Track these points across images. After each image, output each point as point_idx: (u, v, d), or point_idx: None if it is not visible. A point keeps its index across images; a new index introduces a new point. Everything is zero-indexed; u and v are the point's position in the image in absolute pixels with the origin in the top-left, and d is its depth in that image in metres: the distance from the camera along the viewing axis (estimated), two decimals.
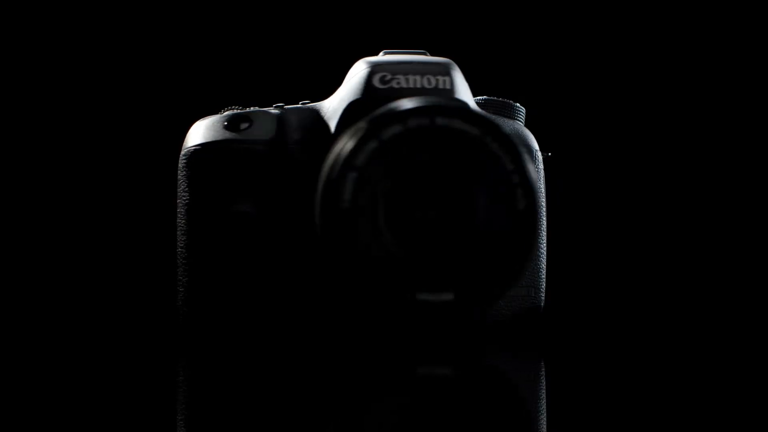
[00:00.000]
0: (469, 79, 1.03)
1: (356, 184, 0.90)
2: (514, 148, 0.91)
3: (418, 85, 0.96)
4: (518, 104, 1.03)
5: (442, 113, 0.91)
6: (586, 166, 1.31)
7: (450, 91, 0.96)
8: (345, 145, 0.90)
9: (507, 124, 1.01)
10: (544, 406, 0.75)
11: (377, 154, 0.90)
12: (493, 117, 0.93)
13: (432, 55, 1.00)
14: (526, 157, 0.91)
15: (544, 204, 1.01)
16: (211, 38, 1.30)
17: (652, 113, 1.33)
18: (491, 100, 1.03)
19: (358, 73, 0.97)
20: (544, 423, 0.71)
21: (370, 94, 0.95)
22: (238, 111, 0.98)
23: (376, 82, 0.96)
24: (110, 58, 1.29)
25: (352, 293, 0.90)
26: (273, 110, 0.98)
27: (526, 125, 1.04)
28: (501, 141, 0.91)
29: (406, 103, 0.92)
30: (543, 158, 1.03)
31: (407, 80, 0.96)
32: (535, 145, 1.03)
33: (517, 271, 0.91)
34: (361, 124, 0.91)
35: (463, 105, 0.93)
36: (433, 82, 0.96)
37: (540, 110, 1.09)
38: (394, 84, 0.96)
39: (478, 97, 1.02)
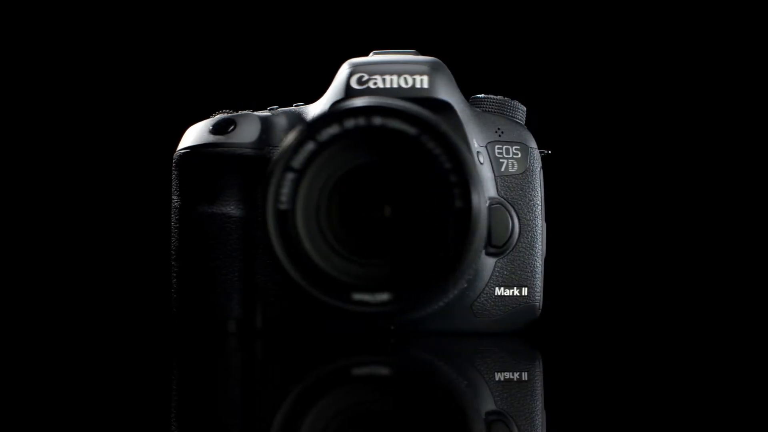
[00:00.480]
0: (469, 77, 1.02)
1: (294, 185, 0.90)
2: (452, 146, 0.90)
3: (395, 85, 0.97)
4: (517, 102, 1.02)
5: (379, 113, 0.90)
6: (586, 164, 1.29)
7: (427, 90, 0.96)
8: (286, 146, 0.91)
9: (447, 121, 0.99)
10: (541, 406, 0.75)
11: (315, 155, 0.91)
12: (432, 116, 0.92)
13: (425, 54, 1.00)
14: (466, 155, 0.90)
15: (528, 203, 1.01)
16: (221, 40, 1.32)
17: (653, 111, 1.29)
18: (491, 98, 1.02)
19: (340, 74, 0.97)
20: (542, 422, 0.71)
21: (348, 95, 0.96)
22: (226, 114, 0.99)
23: (353, 83, 0.96)
24: (124, 67, 1.31)
25: (295, 293, 0.90)
26: (259, 113, 0.99)
27: (526, 123, 1.03)
28: (438, 140, 0.90)
29: (350, 104, 0.92)
30: (541, 156, 1.02)
31: (384, 80, 0.97)
32: (533, 143, 1.01)
33: (455, 270, 0.90)
34: (301, 125, 0.91)
35: (401, 104, 0.92)
36: (410, 81, 0.96)
37: (540, 108, 1.08)
38: (370, 84, 0.97)
39: (479, 95, 1.02)
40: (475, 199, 0.90)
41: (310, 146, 0.91)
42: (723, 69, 1.28)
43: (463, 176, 0.90)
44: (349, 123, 0.91)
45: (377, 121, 0.91)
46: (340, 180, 0.93)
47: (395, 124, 0.91)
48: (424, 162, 0.91)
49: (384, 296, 0.90)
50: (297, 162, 0.91)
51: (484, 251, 0.98)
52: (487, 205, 0.98)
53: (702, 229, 1.28)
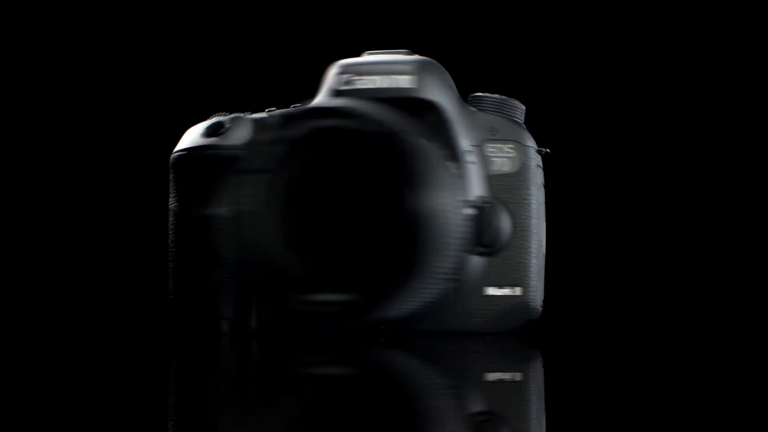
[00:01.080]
0: (467, 76, 1.02)
1: (254, 186, 0.91)
2: (408, 148, 0.89)
3: (380, 85, 0.97)
4: (516, 101, 1.02)
5: (336, 115, 0.90)
6: (584, 163, 1.28)
7: (413, 90, 0.97)
8: (246, 148, 0.92)
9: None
10: (535, 403, 0.75)
11: (274, 156, 0.91)
12: (392, 118, 0.92)
13: (421, 54, 1.00)
14: (423, 157, 0.89)
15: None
16: (227, 43, 1.32)
17: (651, 110, 1.26)
18: (489, 96, 1.02)
19: (330, 75, 0.98)
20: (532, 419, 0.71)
21: (336, 96, 0.97)
22: (220, 117, 1.00)
23: (341, 84, 0.97)
24: (123, 71, 1.32)
25: (259, 294, 0.91)
26: (252, 116, 1.00)
27: (526, 122, 1.02)
28: (394, 142, 0.90)
29: (309, 106, 0.93)
30: (540, 155, 1.02)
31: (370, 81, 0.97)
32: (530, 142, 1.01)
33: (415, 271, 0.90)
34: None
35: (359, 107, 0.92)
36: (395, 81, 0.96)
37: (540, 108, 1.07)
38: (357, 85, 0.97)
39: (477, 94, 1.02)
40: (428, 200, 0.90)
41: (269, 148, 0.92)
42: (721, 68, 1.27)
43: (416, 177, 0.89)
44: (309, 125, 0.91)
45: (337, 123, 0.91)
46: (300, 181, 0.93)
47: (352, 125, 0.91)
48: (381, 163, 0.91)
49: (344, 297, 0.91)
50: (257, 164, 0.91)
51: (471, 251, 0.98)
52: (476, 204, 0.98)
53: (701, 228, 1.26)
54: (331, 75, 0.99)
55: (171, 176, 1.02)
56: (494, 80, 1.16)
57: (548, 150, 1.02)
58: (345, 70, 0.99)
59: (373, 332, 0.98)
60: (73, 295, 1.28)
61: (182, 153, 1.01)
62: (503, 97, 1.02)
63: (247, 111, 1.03)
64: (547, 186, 1.03)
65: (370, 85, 0.98)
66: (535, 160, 1.01)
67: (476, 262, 0.99)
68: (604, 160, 1.27)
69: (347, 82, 0.98)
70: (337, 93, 0.98)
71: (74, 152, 1.32)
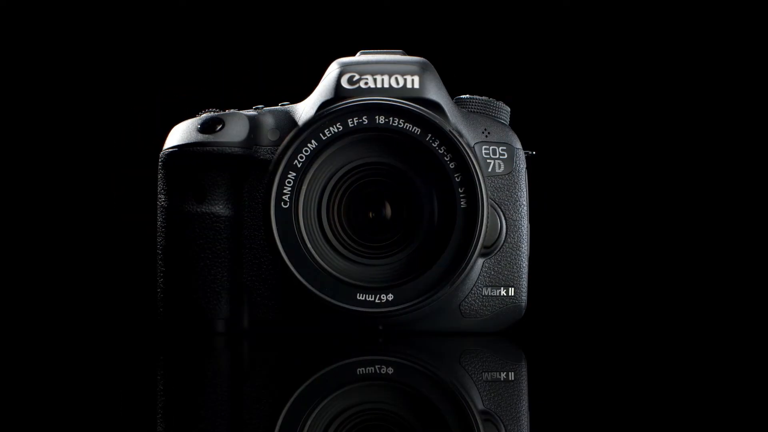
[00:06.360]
0: (453, 77, 1.03)
1: (295, 184, 0.91)
2: (456, 146, 0.91)
3: (386, 85, 0.97)
4: (502, 102, 1.03)
5: (382, 111, 0.91)
6: (571, 165, 1.30)
7: (418, 90, 0.97)
8: (287, 144, 0.92)
9: (479, 121, 1.00)
10: (525, 407, 0.75)
11: (317, 153, 0.91)
12: (436, 116, 0.93)
13: (411, 54, 1.00)
14: (470, 155, 0.91)
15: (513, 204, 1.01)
16: (205, 40, 1.32)
17: (640, 112, 1.30)
18: (475, 98, 1.02)
19: (329, 74, 0.98)
20: (527, 423, 0.71)
21: (339, 94, 0.97)
22: (213, 113, 0.99)
23: (344, 82, 0.97)
24: (108, 66, 1.31)
25: (297, 293, 0.91)
26: (246, 112, 1.00)
27: (511, 124, 1.03)
28: (442, 140, 0.91)
29: (353, 102, 0.93)
30: (526, 157, 1.02)
31: (375, 80, 0.97)
32: (518, 144, 1.02)
33: (460, 271, 0.91)
34: (303, 123, 0.92)
35: (405, 104, 0.93)
36: (401, 81, 0.97)
37: (526, 109, 1.08)
38: (362, 84, 0.97)
39: (463, 96, 1.02)
40: (481, 199, 0.91)
41: (312, 144, 0.92)
42: (711, 69, 1.30)
43: (469, 176, 0.91)
44: (352, 121, 0.92)
45: (380, 120, 0.92)
46: (342, 179, 0.94)
47: (399, 123, 0.92)
48: (428, 162, 0.92)
49: (388, 296, 0.92)
50: (298, 160, 0.92)
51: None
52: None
53: (689, 227, 1.29)
54: (332, 73, 0.98)
55: (161, 174, 1.00)
56: (474, 81, 1.16)
57: (534, 152, 1.03)
58: (348, 68, 0.98)
59: (370, 332, 0.98)
60: (57, 297, 1.26)
61: (174, 150, 1.00)
62: (489, 98, 1.03)
63: (233, 108, 1.02)
64: (531, 187, 1.04)
65: (377, 85, 0.97)
66: (524, 162, 1.02)
67: (476, 262, 0.99)
68: (588, 161, 1.29)
69: (352, 81, 0.97)
70: (340, 92, 0.97)
71: (64, 149, 1.30)
